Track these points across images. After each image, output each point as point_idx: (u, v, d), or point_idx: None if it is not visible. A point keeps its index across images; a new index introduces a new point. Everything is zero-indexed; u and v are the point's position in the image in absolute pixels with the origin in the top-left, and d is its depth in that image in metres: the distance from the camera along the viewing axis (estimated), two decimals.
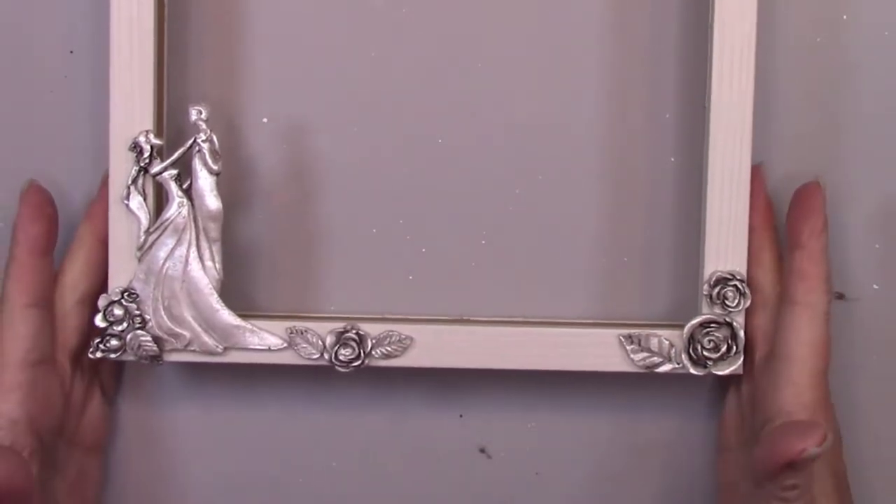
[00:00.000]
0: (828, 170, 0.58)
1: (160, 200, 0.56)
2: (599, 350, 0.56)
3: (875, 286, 0.59)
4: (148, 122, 0.55)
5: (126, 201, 0.55)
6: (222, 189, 0.55)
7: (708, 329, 0.56)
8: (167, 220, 0.55)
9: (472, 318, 0.59)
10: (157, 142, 0.55)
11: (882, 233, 0.59)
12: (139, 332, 0.55)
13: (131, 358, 0.56)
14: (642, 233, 0.59)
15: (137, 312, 0.55)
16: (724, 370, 0.56)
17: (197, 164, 0.55)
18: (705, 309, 0.56)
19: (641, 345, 0.56)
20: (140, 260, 0.55)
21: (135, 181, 0.55)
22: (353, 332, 0.56)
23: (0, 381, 0.54)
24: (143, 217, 0.55)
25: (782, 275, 0.56)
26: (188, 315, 0.56)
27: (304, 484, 0.61)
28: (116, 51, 0.55)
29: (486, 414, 0.61)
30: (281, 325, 0.56)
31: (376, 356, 0.56)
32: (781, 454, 0.51)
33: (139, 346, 0.56)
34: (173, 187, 0.55)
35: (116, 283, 0.56)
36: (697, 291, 0.57)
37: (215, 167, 0.55)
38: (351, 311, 0.59)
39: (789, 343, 0.54)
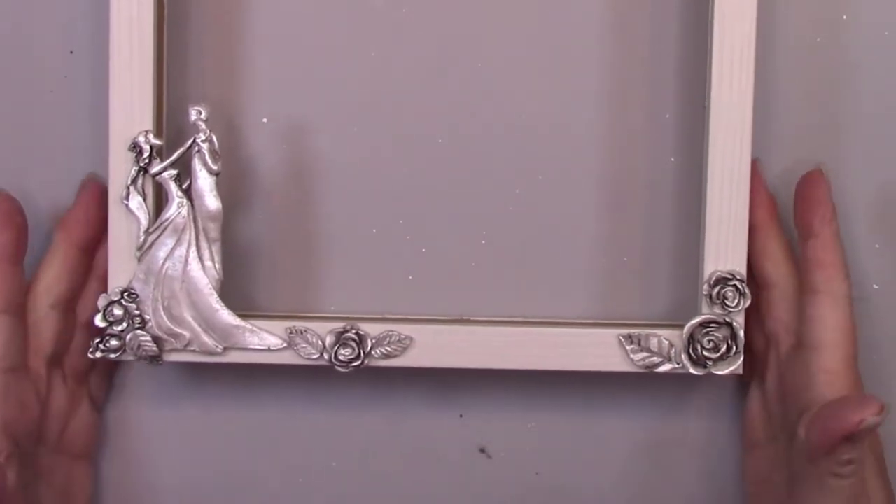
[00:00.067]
0: (828, 170, 0.58)
1: (160, 200, 0.56)
2: (599, 350, 0.56)
3: (875, 286, 0.59)
4: (148, 123, 0.55)
5: (126, 201, 0.55)
6: (222, 189, 0.55)
7: (708, 329, 0.56)
8: (167, 220, 0.55)
9: (472, 318, 0.59)
10: (156, 142, 0.55)
11: (882, 233, 0.59)
12: (139, 332, 0.55)
13: (131, 358, 0.56)
14: (642, 233, 0.59)
15: (137, 312, 0.55)
16: (723, 370, 0.56)
17: (196, 164, 0.55)
18: (705, 309, 0.56)
19: (641, 345, 0.56)
20: (140, 260, 0.55)
21: (134, 181, 0.55)
22: (353, 332, 0.56)
23: None
24: (143, 217, 0.55)
25: (795, 267, 0.56)
26: (188, 315, 0.56)
27: (304, 484, 0.61)
28: (116, 51, 0.55)
29: (486, 414, 0.61)
30: (281, 325, 0.56)
31: (376, 356, 0.56)
32: (840, 427, 0.50)
33: (139, 346, 0.56)
34: (173, 187, 0.55)
35: (116, 283, 0.55)
36: (697, 291, 0.57)
37: (215, 167, 0.55)
38: (351, 311, 0.59)
39: (816, 332, 0.54)
